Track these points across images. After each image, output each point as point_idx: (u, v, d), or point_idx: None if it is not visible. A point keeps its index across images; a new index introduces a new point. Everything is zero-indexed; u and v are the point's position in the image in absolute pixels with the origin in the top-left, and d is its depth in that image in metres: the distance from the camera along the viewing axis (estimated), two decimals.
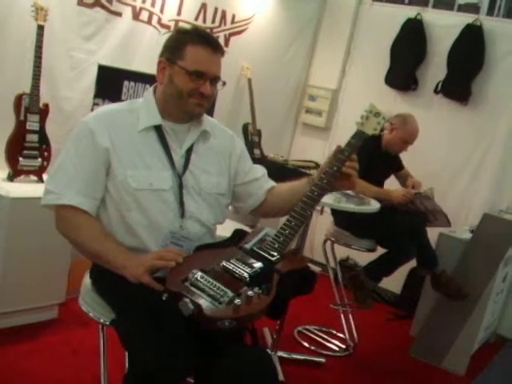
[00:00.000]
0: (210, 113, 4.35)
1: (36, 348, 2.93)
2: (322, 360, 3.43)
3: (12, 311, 3.03)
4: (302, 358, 3.44)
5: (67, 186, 1.83)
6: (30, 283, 3.01)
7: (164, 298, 1.59)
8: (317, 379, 3.25)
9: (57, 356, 2.88)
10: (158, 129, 1.90)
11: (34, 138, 3.08)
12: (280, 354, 3.35)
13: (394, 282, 4.36)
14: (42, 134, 3.10)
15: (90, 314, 1.99)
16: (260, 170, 2.17)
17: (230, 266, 1.70)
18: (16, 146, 3.04)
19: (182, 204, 1.89)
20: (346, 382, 3.31)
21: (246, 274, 1.67)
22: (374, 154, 3.58)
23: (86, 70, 3.46)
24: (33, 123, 3.07)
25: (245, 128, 4.57)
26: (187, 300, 1.54)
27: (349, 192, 3.24)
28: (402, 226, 3.51)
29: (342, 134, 3.91)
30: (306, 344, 3.64)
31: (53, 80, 3.31)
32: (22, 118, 3.03)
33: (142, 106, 1.93)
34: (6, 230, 2.87)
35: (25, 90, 3.03)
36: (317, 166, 3.34)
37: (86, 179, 1.84)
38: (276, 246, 1.80)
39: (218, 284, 1.60)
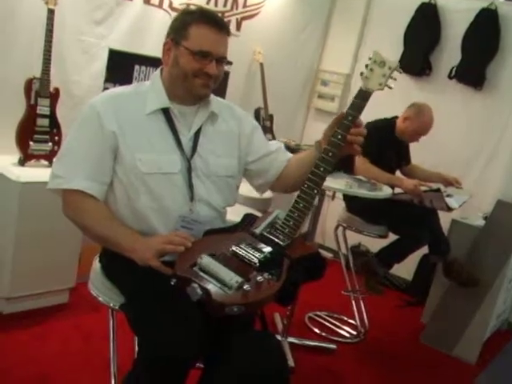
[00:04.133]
0: (222, 98, 4.34)
1: (46, 333, 2.93)
2: (333, 346, 3.42)
3: (23, 296, 3.03)
4: (313, 344, 3.43)
5: (74, 170, 1.82)
6: (40, 268, 3.01)
7: (172, 283, 1.57)
8: (328, 365, 3.24)
9: (67, 341, 2.89)
10: (165, 112, 1.88)
11: (45, 122, 3.07)
12: (291, 339, 3.35)
13: (405, 269, 4.34)
14: (52, 118, 3.09)
15: (100, 299, 1.99)
16: (274, 144, 2.13)
17: (240, 251, 1.68)
18: (26, 131, 3.03)
19: (191, 187, 1.87)
20: (357, 368, 3.29)
21: (255, 259, 1.65)
22: (387, 140, 3.55)
23: (96, 55, 3.43)
24: (43, 107, 3.05)
25: (257, 113, 4.54)
26: (195, 285, 1.52)
27: (361, 177, 3.22)
28: (414, 213, 3.48)
29: None
30: (316, 330, 3.63)
31: (63, 64, 3.29)
32: (32, 102, 3.02)
33: (150, 89, 1.91)
34: (17, 215, 2.87)
35: (35, 75, 3.02)
36: None
37: (94, 163, 1.82)
38: (286, 230, 1.78)
39: (226, 269, 1.58)
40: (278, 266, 1.64)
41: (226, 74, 4.12)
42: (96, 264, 2.06)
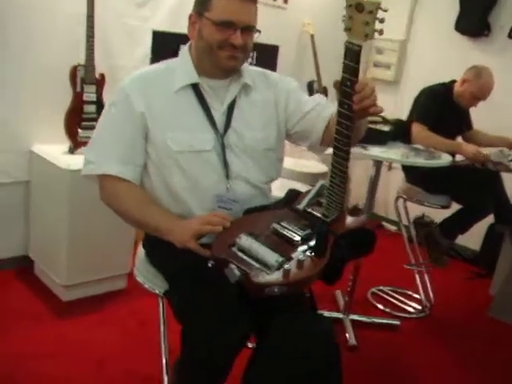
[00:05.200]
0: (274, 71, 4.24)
1: (104, 319, 2.95)
2: (397, 323, 3.30)
3: (80, 283, 3.07)
4: (376, 321, 3.32)
5: (105, 154, 1.78)
6: (96, 254, 3.03)
7: (210, 265, 1.51)
8: (391, 343, 3.14)
9: (124, 326, 2.90)
10: (195, 87, 1.80)
11: (92, 108, 3.07)
12: (352, 317, 3.25)
13: (472, 239, 4.16)
14: (99, 104, 3.08)
15: (146, 286, 1.96)
16: (314, 100, 1.94)
17: (281, 229, 1.60)
18: (74, 118, 3.04)
19: (226, 164, 1.79)
20: (422, 344, 3.17)
21: (297, 237, 1.56)
22: (445, 105, 3.37)
23: (140, 38, 3.40)
24: (89, 94, 3.05)
25: (310, 86, 4.43)
26: (233, 266, 1.44)
27: (418, 146, 3.07)
28: (477, 180, 3.30)
29: (412, 87, 3.76)
30: (380, 306, 3.52)
31: (107, 49, 3.28)
32: (78, 89, 3.03)
33: (178, 65, 1.84)
34: (70, 203, 2.89)
35: (79, 62, 3.02)
36: (384, 120, 3.17)
37: (125, 146, 1.78)
38: (330, 205, 1.68)
39: (266, 248, 1.50)
40: (321, 242, 1.54)
41: (276, 48, 4.00)
42: (140, 250, 2.03)
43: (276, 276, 1.43)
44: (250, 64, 4.31)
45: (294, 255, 1.49)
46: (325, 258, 1.50)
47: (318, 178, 3.61)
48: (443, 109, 3.33)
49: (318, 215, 1.67)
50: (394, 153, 2.87)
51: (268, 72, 1.97)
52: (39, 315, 2.93)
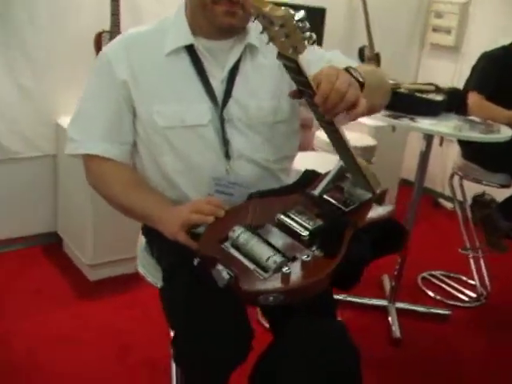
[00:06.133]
0: (319, 38, 3.93)
1: (129, 302, 2.81)
2: (448, 312, 3.00)
3: (106, 262, 2.95)
4: (424, 310, 3.02)
5: (88, 131, 1.55)
6: (123, 232, 2.84)
7: (195, 263, 1.26)
8: (440, 335, 2.84)
9: (148, 311, 2.71)
10: (190, 50, 1.52)
11: None
12: (399, 305, 2.97)
13: None
14: None
15: (149, 279, 1.72)
16: (327, 57, 1.58)
17: (288, 220, 1.32)
18: None
19: (225, 141, 1.51)
20: (475, 337, 2.86)
21: (305, 232, 1.28)
22: (506, 71, 3.00)
23: (170, 1, 3.15)
24: None
25: (361, 52, 4.08)
26: (220, 267, 1.19)
27: (474, 118, 2.73)
28: None
29: (474, 53, 3.38)
30: (430, 293, 3.21)
31: (136, 15, 3.07)
32: None
33: (171, 25, 1.54)
34: None
35: (104, 28, 2.83)
36: (437, 89, 2.83)
37: (109, 121, 1.53)
38: (353, 189, 1.41)
39: (265, 245, 1.24)
40: (335, 238, 1.28)
41: (322, 11, 3.69)
42: (141, 238, 1.80)
43: (272, 281, 1.16)
44: None
45: (299, 255, 1.22)
46: (337, 258, 1.22)
47: (366, 153, 3.34)
48: (504, 76, 2.97)
49: (335, 203, 1.40)
50: (446, 125, 2.54)
51: None
52: (64, 295, 2.84)
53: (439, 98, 2.74)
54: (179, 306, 1.42)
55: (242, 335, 1.38)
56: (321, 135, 3.27)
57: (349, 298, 2.99)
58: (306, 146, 3.50)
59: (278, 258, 1.19)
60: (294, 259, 1.21)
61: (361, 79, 1.28)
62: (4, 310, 2.67)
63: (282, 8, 1.08)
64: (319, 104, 1.17)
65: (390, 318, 2.87)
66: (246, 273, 1.18)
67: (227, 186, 1.50)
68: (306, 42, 1.12)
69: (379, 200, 1.45)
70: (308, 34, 1.11)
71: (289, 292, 1.16)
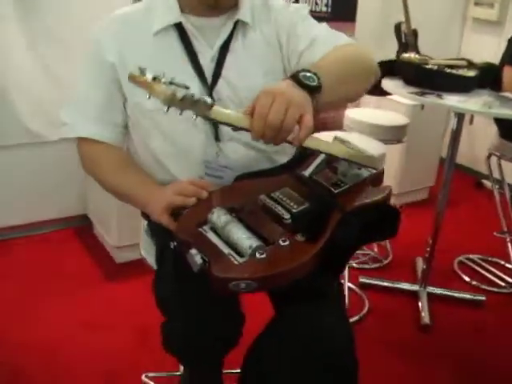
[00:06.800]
0: (352, 14, 3.81)
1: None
2: (482, 298, 2.87)
3: (133, 244, 2.85)
4: (457, 295, 2.90)
5: (79, 113, 1.51)
6: None
7: (172, 247, 1.22)
8: (473, 321, 2.73)
9: None
10: (179, 28, 1.45)
11: None
12: (430, 289, 2.87)
13: None
14: None
15: (149, 262, 1.70)
16: (311, 31, 1.48)
17: (271, 202, 1.25)
18: None
19: (215, 123, 1.44)
20: (509, 325, 2.74)
21: (287, 215, 1.21)
22: None
23: None
24: None
25: (397, 28, 3.92)
26: (194, 252, 1.13)
27: (507, 94, 2.59)
28: None
29: None
30: (466, 278, 3.09)
31: None
32: None
33: (160, 3, 1.48)
34: None
35: None
36: (470, 64, 2.69)
37: (100, 103, 1.49)
38: (347, 170, 1.34)
39: (244, 229, 1.18)
40: (320, 222, 1.21)
41: None
42: (143, 220, 1.77)
43: (243, 268, 1.10)
44: (326, 5, 3.88)
45: (278, 239, 1.16)
46: (319, 244, 1.15)
47: (398, 133, 3.21)
48: None
49: (325, 184, 1.32)
50: (475, 102, 2.41)
51: (271, 3, 1.54)
52: (91, 277, 2.88)
53: (471, 73, 2.60)
54: (167, 289, 1.39)
55: (231, 321, 1.35)
56: (351, 114, 3.17)
57: (378, 282, 2.91)
58: (335, 125, 3.41)
59: (254, 243, 1.13)
60: (273, 244, 1.15)
61: (315, 83, 1.18)
62: (34, 292, 2.71)
63: (162, 87, 1.07)
64: (256, 139, 1.14)
65: (420, 304, 2.78)
66: (219, 257, 1.13)
67: (217, 169, 1.45)
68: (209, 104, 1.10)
69: (375, 182, 1.37)
70: (202, 99, 1.09)
71: (260, 279, 1.09)
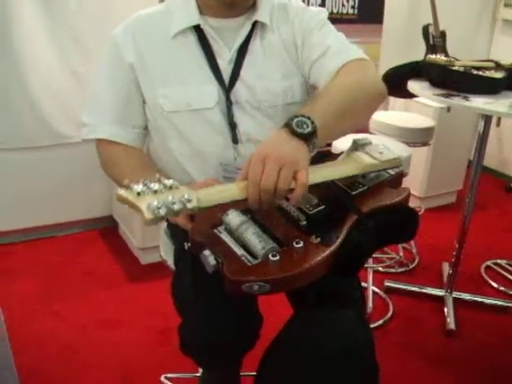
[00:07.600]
0: (379, 16, 3.77)
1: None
2: (509, 304, 2.82)
3: (156, 246, 2.90)
4: (483, 301, 2.85)
5: (99, 114, 1.52)
6: None
7: (186, 248, 1.22)
8: (499, 328, 2.68)
9: None
10: (197, 31, 1.45)
11: None
12: (456, 295, 2.83)
13: None
14: None
15: (169, 264, 1.70)
16: (325, 42, 1.45)
17: (286, 204, 1.24)
18: None
19: (233, 125, 1.45)
20: None
21: (303, 216, 1.21)
22: None
23: None
24: None
25: (425, 30, 3.90)
26: (207, 252, 1.14)
27: None
28: None
29: None
30: (493, 283, 3.03)
31: None
32: None
33: (179, 6, 1.48)
34: None
35: None
36: (497, 66, 2.65)
37: (119, 105, 1.50)
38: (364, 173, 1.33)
39: (259, 231, 1.17)
40: (335, 224, 1.20)
41: None
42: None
43: (256, 269, 1.09)
44: (352, 7, 3.85)
45: (292, 241, 1.14)
46: (333, 246, 1.14)
47: (424, 135, 3.17)
48: None
49: (343, 186, 1.31)
50: (502, 104, 2.37)
51: (290, 4, 1.53)
52: (116, 278, 2.91)
53: (498, 75, 2.56)
54: (184, 291, 1.39)
55: (248, 323, 1.34)
56: (377, 117, 3.14)
57: (404, 286, 2.88)
58: (361, 127, 3.38)
59: (267, 244, 1.12)
60: (287, 246, 1.15)
61: (309, 129, 1.15)
62: (59, 292, 2.75)
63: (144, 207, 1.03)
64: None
65: (445, 309, 2.74)
66: (233, 259, 1.12)
67: (235, 171, 1.43)
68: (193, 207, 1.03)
69: (394, 184, 1.36)
70: (185, 208, 1.03)
71: (273, 281, 1.08)
